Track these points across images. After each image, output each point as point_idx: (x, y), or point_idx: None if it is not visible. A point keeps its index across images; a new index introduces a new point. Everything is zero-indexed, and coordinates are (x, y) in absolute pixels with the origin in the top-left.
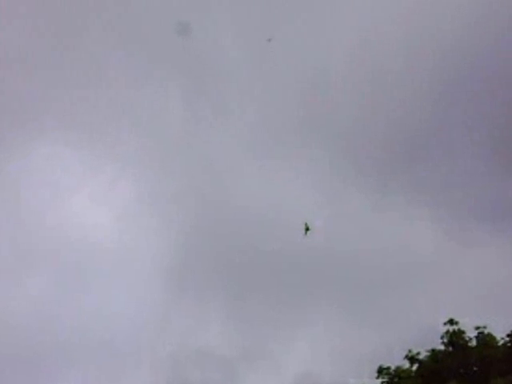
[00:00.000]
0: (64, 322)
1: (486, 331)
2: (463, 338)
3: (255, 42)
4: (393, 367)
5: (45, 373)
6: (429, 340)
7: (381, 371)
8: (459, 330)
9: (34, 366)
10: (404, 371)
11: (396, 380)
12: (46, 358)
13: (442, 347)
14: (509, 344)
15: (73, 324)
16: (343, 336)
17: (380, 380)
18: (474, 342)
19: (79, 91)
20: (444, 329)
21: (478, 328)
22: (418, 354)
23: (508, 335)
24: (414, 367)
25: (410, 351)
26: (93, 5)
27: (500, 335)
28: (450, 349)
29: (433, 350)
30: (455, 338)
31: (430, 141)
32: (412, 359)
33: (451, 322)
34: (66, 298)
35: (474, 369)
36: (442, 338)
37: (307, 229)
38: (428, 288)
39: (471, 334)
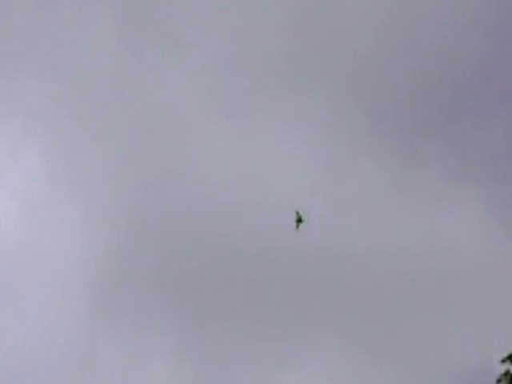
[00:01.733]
0: None
1: None
2: None
3: None
4: None
5: None
6: None
7: None
8: None
9: None
10: None
11: None
12: None
13: None
14: None
15: None
16: (351, 376)
17: None
18: None
19: None
20: (501, 368)
21: None
22: None
23: None
24: None
25: None
26: None
27: None
28: None
29: None
30: None
31: (476, 89)
32: None
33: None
34: None
35: None
36: (498, 382)
37: (299, 219)
38: (476, 306)
39: None
